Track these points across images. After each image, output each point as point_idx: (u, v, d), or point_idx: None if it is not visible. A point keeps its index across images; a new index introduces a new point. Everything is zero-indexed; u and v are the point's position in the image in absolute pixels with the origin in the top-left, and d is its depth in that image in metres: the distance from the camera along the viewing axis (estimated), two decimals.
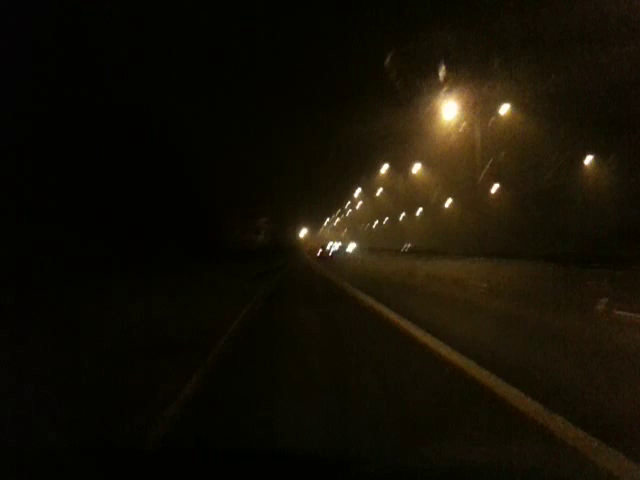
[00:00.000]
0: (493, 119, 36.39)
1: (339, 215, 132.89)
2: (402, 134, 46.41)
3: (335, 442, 4.14)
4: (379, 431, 4.35)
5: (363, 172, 76.99)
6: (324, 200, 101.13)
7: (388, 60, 23.14)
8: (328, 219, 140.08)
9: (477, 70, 28.12)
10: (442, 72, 25.12)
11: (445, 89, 31.49)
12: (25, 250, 9.49)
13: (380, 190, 79.88)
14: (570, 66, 23.94)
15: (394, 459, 2.67)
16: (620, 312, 9.31)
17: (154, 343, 7.96)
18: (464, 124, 36.84)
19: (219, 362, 7.69)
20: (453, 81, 29.18)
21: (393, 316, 10.71)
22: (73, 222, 11.23)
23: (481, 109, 35.69)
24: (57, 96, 10.85)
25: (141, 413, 4.89)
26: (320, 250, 59.40)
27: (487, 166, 35.64)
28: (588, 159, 38.06)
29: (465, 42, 23.75)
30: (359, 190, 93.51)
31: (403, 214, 74.93)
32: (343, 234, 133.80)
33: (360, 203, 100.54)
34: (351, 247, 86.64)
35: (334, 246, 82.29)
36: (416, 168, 59.28)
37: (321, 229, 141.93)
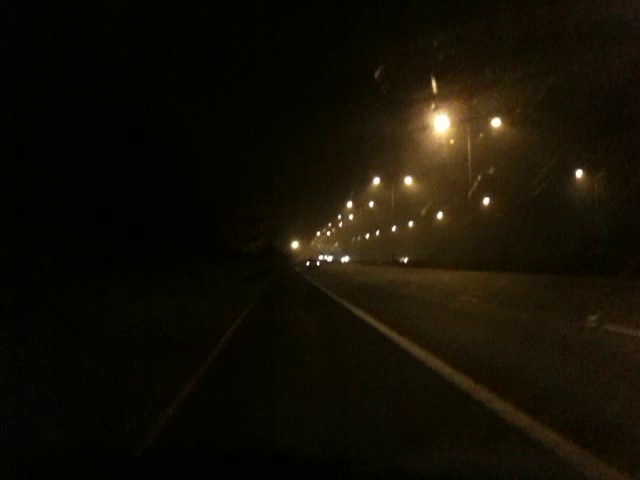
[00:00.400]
0: (484, 131, 36.51)
1: (331, 228, 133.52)
2: (393, 146, 46.57)
3: (332, 436, 4.19)
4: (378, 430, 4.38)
5: (354, 185, 77.76)
6: (316, 213, 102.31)
7: (379, 72, 23.11)
8: (320, 232, 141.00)
9: (470, 81, 28.19)
10: (434, 84, 25.08)
11: (436, 102, 31.55)
12: (25, 250, 9.45)
13: (372, 203, 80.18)
14: (565, 69, 24.07)
15: (393, 460, 2.66)
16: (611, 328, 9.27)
17: (154, 343, 7.95)
18: (457, 134, 36.89)
19: (218, 361, 7.72)
20: (445, 92, 29.22)
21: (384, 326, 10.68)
22: (73, 221, 11.21)
23: (474, 119, 35.76)
24: (56, 95, 10.80)
25: (141, 413, 4.88)
26: (309, 262, 71.63)
27: (479, 177, 35.65)
28: (579, 168, 38.39)
29: (458, 52, 23.82)
30: (350, 203, 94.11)
31: (394, 227, 75.14)
32: (334, 247, 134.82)
33: (352, 216, 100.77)
34: (344, 259, 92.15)
35: (327, 258, 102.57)
36: (408, 180, 59.30)
37: (313, 241, 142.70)
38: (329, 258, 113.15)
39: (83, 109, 11.61)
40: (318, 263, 75.20)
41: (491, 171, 36.08)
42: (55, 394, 5.13)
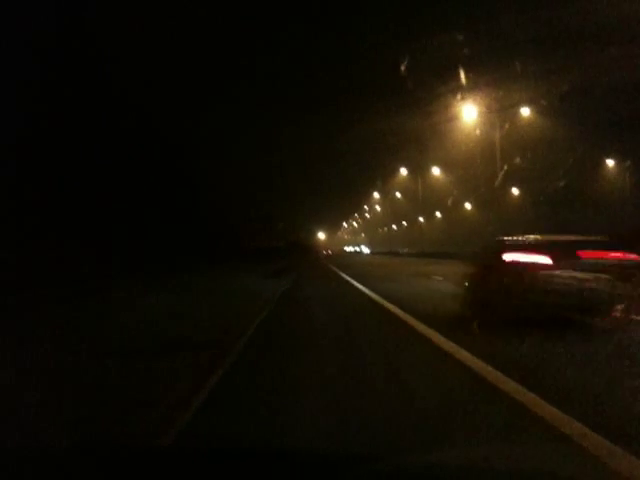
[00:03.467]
0: (510, 121, 35.67)
1: (357, 219, 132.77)
2: (420, 137, 46.00)
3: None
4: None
5: (381, 176, 77.56)
6: (342, 204, 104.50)
7: (405, 65, 22.80)
8: (346, 223, 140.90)
9: (496, 73, 27.61)
10: (461, 75, 24.61)
11: (462, 93, 31.02)
12: (27, 250, 9.42)
13: (398, 194, 79.42)
14: (591, 65, 23.42)
15: (397, 458, 2.55)
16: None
17: (169, 342, 7.94)
18: (483, 125, 36.12)
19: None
20: (472, 84, 28.67)
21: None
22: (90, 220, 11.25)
23: (501, 111, 34.97)
24: (60, 99, 10.79)
25: (145, 413, 4.90)
26: (324, 251, 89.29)
27: (505, 167, 34.84)
28: (610, 160, 37.22)
29: (483, 45, 23.36)
30: (377, 195, 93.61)
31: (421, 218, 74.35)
32: (361, 237, 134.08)
33: (378, 207, 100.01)
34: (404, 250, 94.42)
35: (365, 249, 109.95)
36: (434, 171, 58.45)
37: (339, 232, 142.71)
38: (366, 249, 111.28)
39: (85, 111, 11.57)
40: (330, 252, 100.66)
41: (518, 161, 35.38)
42: (57, 394, 5.18)
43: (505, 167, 33.99)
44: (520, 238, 9.35)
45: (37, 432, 4.13)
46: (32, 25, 10.17)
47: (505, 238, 9.85)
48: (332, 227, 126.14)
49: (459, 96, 31.65)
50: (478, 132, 36.53)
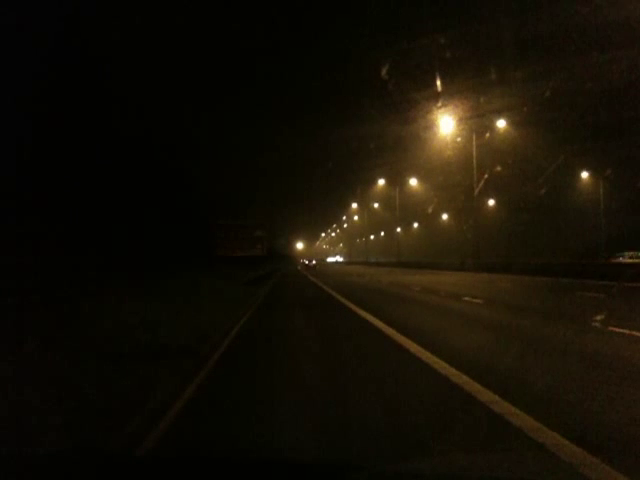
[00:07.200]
0: (489, 130, 36.23)
1: (336, 229, 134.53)
2: (398, 147, 46.61)
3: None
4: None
5: (359, 187, 78.81)
6: (321, 215, 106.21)
7: (386, 69, 23.09)
8: (324, 233, 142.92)
9: (474, 83, 28.02)
10: (439, 85, 24.92)
11: (440, 103, 31.41)
12: (24, 255, 9.44)
13: (376, 204, 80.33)
14: (566, 74, 23.98)
15: (390, 466, 2.62)
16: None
17: (157, 348, 7.92)
18: (461, 134, 36.58)
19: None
20: (450, 94, 29.06)
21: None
22: (72, 231, 11.21)
23: (478, 121, 35.47)
24: (59, 99, 10.78)
25: (137, 419, 4.86)
26: (304, 262, 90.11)
27: (484, 178, 35.33)
28: (584, 168, 38.16)
29: (462, 54, 23.74)
30: (355, 205, 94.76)
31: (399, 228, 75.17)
32: (339, 247, 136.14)
33: (356, 217, 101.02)
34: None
35: (337, 258, 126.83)
36: (412, 181, 59.17)
37: (318, 242, 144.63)
38: (340, 259, 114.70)
39: (85, 111, 11.56)
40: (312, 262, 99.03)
41: (497, 171, 35.97)
42: (51, 399, 5.12)
43: (485, 176, 34.49)
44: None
45: (32, 437, 4.11)
46: (31, 25, 10.17)
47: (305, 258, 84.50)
48: (311, 237, 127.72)
49: (439, 103, 32.00)
50: (458, 139, 36.98)
